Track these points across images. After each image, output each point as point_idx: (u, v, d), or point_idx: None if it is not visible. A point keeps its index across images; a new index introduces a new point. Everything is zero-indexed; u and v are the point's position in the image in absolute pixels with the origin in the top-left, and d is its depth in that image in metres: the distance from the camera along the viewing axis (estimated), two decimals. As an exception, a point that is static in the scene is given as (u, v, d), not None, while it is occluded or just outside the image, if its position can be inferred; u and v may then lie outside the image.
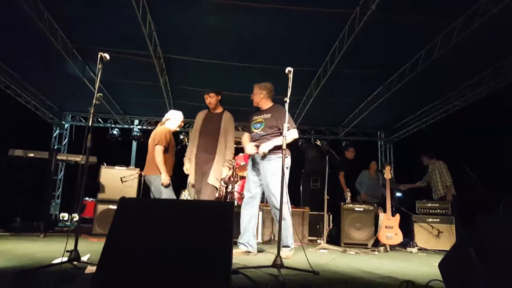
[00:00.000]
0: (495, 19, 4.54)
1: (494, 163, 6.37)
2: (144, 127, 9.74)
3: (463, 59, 5.79)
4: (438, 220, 5.61)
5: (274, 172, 3.67)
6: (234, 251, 3.81)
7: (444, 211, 5.70)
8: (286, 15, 4.97)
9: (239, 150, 6.59)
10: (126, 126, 9.74)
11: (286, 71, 3.12)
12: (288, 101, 3.04)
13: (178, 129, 4.72)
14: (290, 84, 3.05)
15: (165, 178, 4.02)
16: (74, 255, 2.53)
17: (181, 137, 6.58)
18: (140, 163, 7.57)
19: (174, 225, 1.80)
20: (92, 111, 2.77)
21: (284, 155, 2.99)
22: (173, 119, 4.41)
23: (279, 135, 3.61)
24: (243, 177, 6.53)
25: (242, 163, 6.47)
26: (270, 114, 3.91)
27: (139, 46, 5.68)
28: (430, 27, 5.14)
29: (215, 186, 4.07)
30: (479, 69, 6.35)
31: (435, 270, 2.13)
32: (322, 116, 8.95)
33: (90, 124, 2.71)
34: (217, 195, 6.28)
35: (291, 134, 3.57)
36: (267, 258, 3.44)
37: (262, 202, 4.64)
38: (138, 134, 9.57)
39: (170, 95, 7.79)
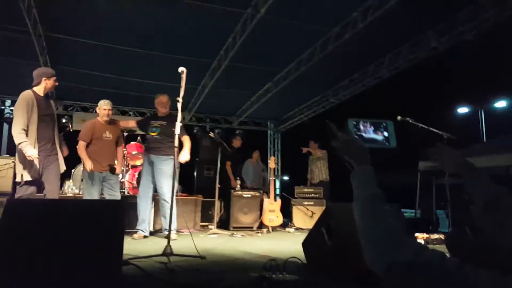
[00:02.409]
0: (361, 33, 5.39)
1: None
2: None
3: (337, 63, 6.69)
4: (312, 203, 6.48)
5: (167, 171, 4.41)
6: (135, 235, 4.49)
7: (317, 195, 6.60)
8: (183, 7, 5.06)
9: (131, 138, 6.50)
10: (-4, 107, 8.65)
11: (179, 70, 3.26)
12: (181, 100, 3.21)
13: (106, 118, 4.65)
14: (183, 84, 3.21)
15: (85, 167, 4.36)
16: None
17: (64, 121, 5.79)
18: (14, 149, 6.81)
19: (66, 224, 1.88)
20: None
21: (176, 158, 3.42)
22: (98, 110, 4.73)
23: (173, 142, 3.69)
24: (134, 166, 6.48)
25: (133, 152, 6.41)
26: (166, 122, 4.58)
27: (16, 21, 5.14)
28: (311, 34, 5.80)
29: None
30: (349, 72, 7.41)
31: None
32: (217, 105, 9.26)
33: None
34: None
35: (188, 143, 4.51)
36: (159, 246, 3.62)
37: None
38: (11, 116, 8.52)
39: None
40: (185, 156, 4.39)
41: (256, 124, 10.86)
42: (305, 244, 2.79)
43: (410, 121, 4.23)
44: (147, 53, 6.35)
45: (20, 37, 5.59)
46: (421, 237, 4.25)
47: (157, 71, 7.03)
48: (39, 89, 3.67)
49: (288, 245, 4.17)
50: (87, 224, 1.93)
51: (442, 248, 1.13)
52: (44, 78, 3.68)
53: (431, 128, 4.21)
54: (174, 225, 4.47)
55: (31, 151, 3.38)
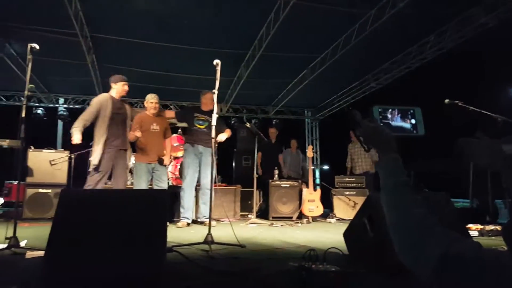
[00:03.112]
0: (401, 13, 5.12)
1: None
2: (71, 106, 9.30)
3: (376, 46, 6.41)
4: (354, 193, 6.32)
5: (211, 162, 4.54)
6: (179, 224, 4.76)
7: (359, 184, 6.43)
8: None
9: (173, 130, 6.67)
10: (51, 105, 9.27)
11: (214, 63, 3.28)
12: (216, 92, 3.22)
13: (153, 111, 4.87)
14: (218, 76, 3.22)
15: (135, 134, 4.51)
16: (13, 241, 2.58)
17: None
18: (68, 144, 7.26)
19: (115, 212, 1.99)
20: (24, 103, 2.87)
21: (216, 150, 3.48)
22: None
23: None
24: (176, 157, 6.65)
25: (175, 144, 6.58)
26: (211, 118, 4.72)
27: (65, 25, 5.44)
28: (348, 17, 5.60)
29: None
30: (390, 55, 7.08)
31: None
32: (253, 95, 9.26)
33: (23, 116, 2.87)
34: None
35: (228, 134, 4.91)
36: (200, 235, 3.71)
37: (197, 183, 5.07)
38: (64, 113, 9.10)
39: (98, 74, 7.51)
40: (222, 137, 4.77)
41: (293, 113, 10.76)
42: (346, 234, 2.73)
43: (460, 104, 3.93)
44: (184, 48, 6.45)
45: (68, 39, 5.91)
46: (474, 228, 3.99)
47: (194, 65, 7.13)
48: (113, 92, 4.30)
49: (329, 235, 4.11)
50: (135, 213, 2.01)
51: (499, 240, 1.05)
52: (112, 83, 4.30)
53: (483, 111, 3.90)
54: (207, 212, 4.63)
55: (75, 136, 3.90)
